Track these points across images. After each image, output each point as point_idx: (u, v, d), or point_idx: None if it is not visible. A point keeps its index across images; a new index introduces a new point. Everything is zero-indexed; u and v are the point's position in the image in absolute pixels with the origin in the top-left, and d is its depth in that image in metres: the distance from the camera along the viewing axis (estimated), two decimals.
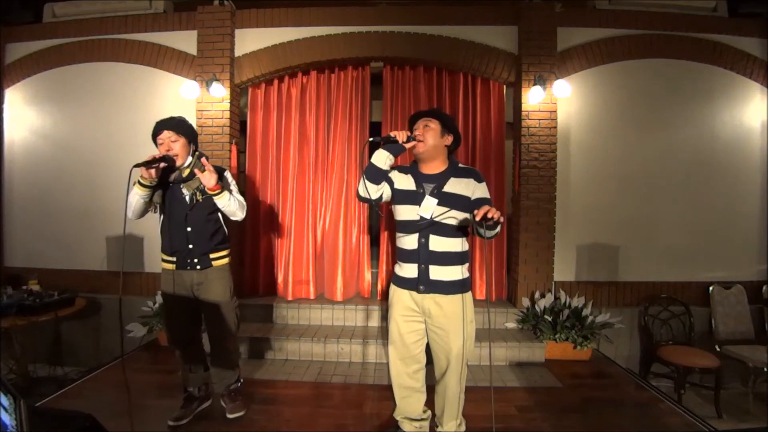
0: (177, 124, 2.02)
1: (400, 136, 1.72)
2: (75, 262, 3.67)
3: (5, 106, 3.78)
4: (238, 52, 3.51)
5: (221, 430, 2.10)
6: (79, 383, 2.58)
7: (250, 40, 3.50)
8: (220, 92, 3.35)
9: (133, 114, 3.59)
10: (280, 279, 3.62)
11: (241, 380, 2.27)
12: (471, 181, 1.76)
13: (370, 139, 1.77)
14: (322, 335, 3.10)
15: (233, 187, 2.11)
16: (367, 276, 3.64)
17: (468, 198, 1.74)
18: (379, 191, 1.80)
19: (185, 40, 3.54)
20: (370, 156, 1.84)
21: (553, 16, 3.39)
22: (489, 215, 1.43)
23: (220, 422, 2.16)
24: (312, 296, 3.57)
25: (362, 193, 1.78)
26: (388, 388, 2.56)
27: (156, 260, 3.51)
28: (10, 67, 3.76)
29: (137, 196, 1.92)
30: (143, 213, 2.01)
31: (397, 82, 3.61)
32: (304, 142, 3.63)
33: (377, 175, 1.77)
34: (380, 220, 3.38)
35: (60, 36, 3.68)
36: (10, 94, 3.78)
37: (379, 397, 2.49)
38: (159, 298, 3.21)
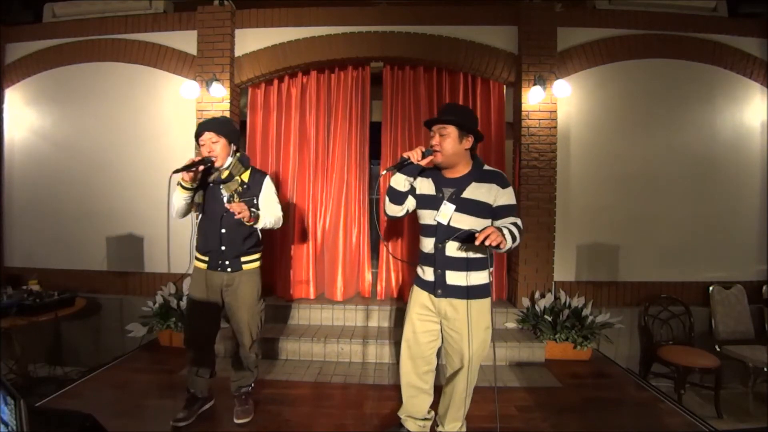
0: (219, 125, 2.01)
1: (414, 155, 1.66)
2: (75, 262, 3.67)
3: (5, 106, 3.78)
4: (238, 52, 3.51)
5: (223, 431, 2.10)
6: (79, 383, 2.58)
7: (250, 40, 3.50)
8: (220, 92, 3.35)
9: (133, 114, 3.59)
10: (280, 279, 3.62)
11: (253, 384, 2.26)
12: (493, 186, 1.69)
13: (384, 171, 1.75)
14: (322, 335, 3.10)
15: (273, 195, 2.11)
16: (368, 276, 3.64)
17: (489, 205, 1.69)
18: (404, 209, 1.82)
19: (185, 40, 3.54)
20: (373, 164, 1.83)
21: (553, 16, 3.39)
22: (487, 242, 1.43)
23: (223, 422, 2.16)
24: (312, 296, 3.57)
25: (389, 213, 1.83)
26: (389, 388, 2.57)
27: (156, 260, 3.56)
28: (10, 67, 3.76)
29: (180, 198, 1.95)
30: (186, 213, 2.04)
31: (397, 82, 3.61)
32: (304, 142, 3.63)
33: (399, 198, 1.78)
34: (380, 223, 3.38)
35: (60, 36, 3.68)
36: (10, 94, 3.78)
37: (379, 397, 2.49)
38: (159, 298, 3.21)
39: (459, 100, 3.55)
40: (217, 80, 3.31)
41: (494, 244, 1.43)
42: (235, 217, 1.87)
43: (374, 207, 2.75)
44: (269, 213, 2.06)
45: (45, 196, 3.71)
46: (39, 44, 3.71)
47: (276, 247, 3.65)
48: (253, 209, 1.99)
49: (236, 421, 2.13)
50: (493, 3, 3.49)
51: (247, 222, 1.93)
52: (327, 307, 3.40)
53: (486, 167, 1.77)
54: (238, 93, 3.63)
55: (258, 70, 3.49)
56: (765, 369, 2.90)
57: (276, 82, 3.66)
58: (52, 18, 3.75)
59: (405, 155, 1.69)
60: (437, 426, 1.94)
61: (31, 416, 0.82)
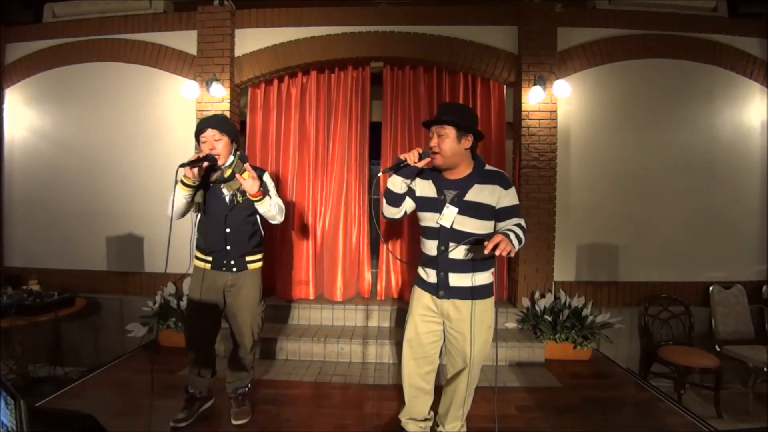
0: (220, 122, 1.98)
1: (411, 156, 1.62)
2: (75, 262, 3.66)
3: (5, 106, 3.78)
4: (238, 52, 3.51)
5: (223, 431, 2.10)
6: (79, 383, 2.58)
7: (250, 40, 3.50)
8: (220, 92, 3.35)
9: (133, 114, 3.59)
10: (279, 279, 3.61)
11: (250, 384, 2.26)
12: (496, 187, 1.66)
13: (380, 173, 1.70)
14: (322, 335, 3.10)
15: (272, 190, 2.09)
16: (367, 276, 3.64)
17: (492, 207, 1.66)
18: (401, 211, 1.79)
19: (185, 40, 3.54)
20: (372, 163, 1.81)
21: (553, 16, 3.38)
22: (497, 252, 1.41)
23: (222, 423, 2.16)
24: (312, 296, 3.57)
25: (387, 215, 1.80)
26: (388, 388, 2.57)
27: (156, 260, 3.56)
28: (10, 67, 3.76)
29: (180, 195, 1.90)
30: (185, 212, 1.99)
31: (397, 82, 3.61)
32: (304, 142, 3.63)
33: (396, 200, 1.74)
34: (380, 223, 3.37)
35: (60, 36, 3.68)
36: (10, 94, 3.78)
37: (379, 397, 2.49)
38: (159, 298, 3.21)
39: (459, 101, 3.55)
40: (217, 80, 3.31)
41: (504, 253, 1.41)
42: (244, 185, 1.86)
43: (374, 207, 2.77)
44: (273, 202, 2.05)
45: (45, 196, 3.70)
46: (39, 44, 3.71)
47: (276, 248, 3.65)
48: (264, 181, 1.99)
49: (234, 422, 2.13)
50: (493, 3, 3.50)
51: (254, 196, 1.90)
52: (327, 307, 3.40)
53: (488, 167, 1.73)
54: (238, 93, 3.63)
55: (258, 70, 3.49)
56: (765, 369, 2.90)
57: (276, 82, 3.66)
58: (52, 18, 3.75)
59: (401, 157, 1.65)
60: (437, 426, 1.93)
61: (31, 416, 0.82)
